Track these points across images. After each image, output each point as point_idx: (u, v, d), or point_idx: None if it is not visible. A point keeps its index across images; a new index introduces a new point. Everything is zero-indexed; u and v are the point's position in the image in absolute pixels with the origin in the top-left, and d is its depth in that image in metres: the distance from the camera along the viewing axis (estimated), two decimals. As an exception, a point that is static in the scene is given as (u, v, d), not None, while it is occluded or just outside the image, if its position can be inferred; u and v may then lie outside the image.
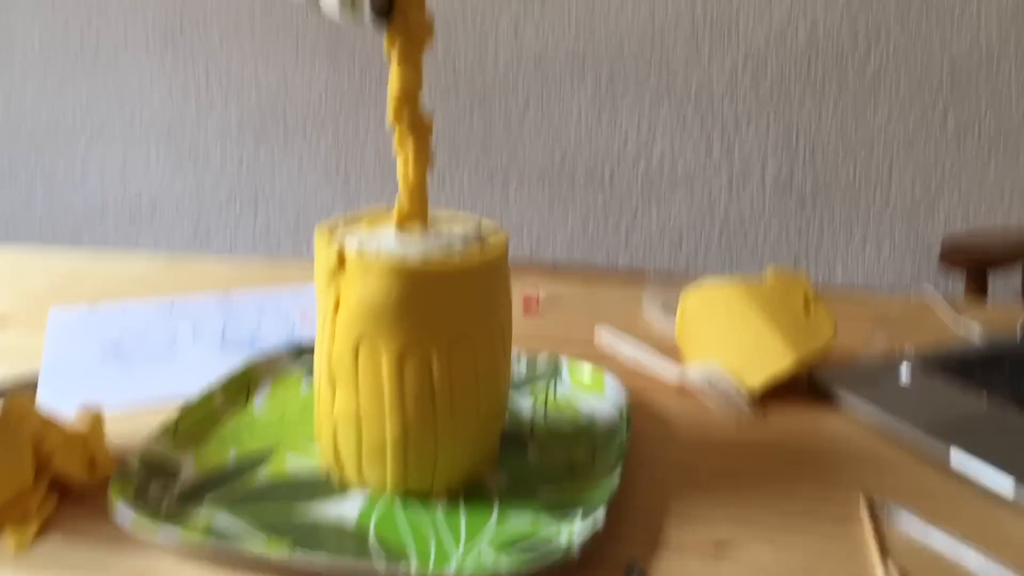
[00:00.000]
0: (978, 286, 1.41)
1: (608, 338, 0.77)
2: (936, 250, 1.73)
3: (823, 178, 1.76)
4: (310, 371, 0.68)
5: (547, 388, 0.68)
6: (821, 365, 0.70)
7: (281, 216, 1.95)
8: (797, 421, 0.65)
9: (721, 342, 0.70)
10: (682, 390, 0.69)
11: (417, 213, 0.53)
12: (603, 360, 0.74)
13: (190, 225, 1.98)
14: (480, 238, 0.53)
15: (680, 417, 0.65)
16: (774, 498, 0.54)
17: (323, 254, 0.51)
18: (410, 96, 0.51)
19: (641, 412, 0.65)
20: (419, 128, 0.52)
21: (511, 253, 1.89)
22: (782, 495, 0.54)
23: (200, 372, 0.70)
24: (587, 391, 0.67)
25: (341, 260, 0.50)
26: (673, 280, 0.93)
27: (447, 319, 0.50)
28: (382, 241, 0.51)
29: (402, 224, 0.53)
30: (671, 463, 0.58)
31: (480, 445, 0.54)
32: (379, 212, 0.56)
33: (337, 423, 0.52)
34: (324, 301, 0.51)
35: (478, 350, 0.52)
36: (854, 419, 0.64)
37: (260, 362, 0.68)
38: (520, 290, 0.88)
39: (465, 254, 0.50)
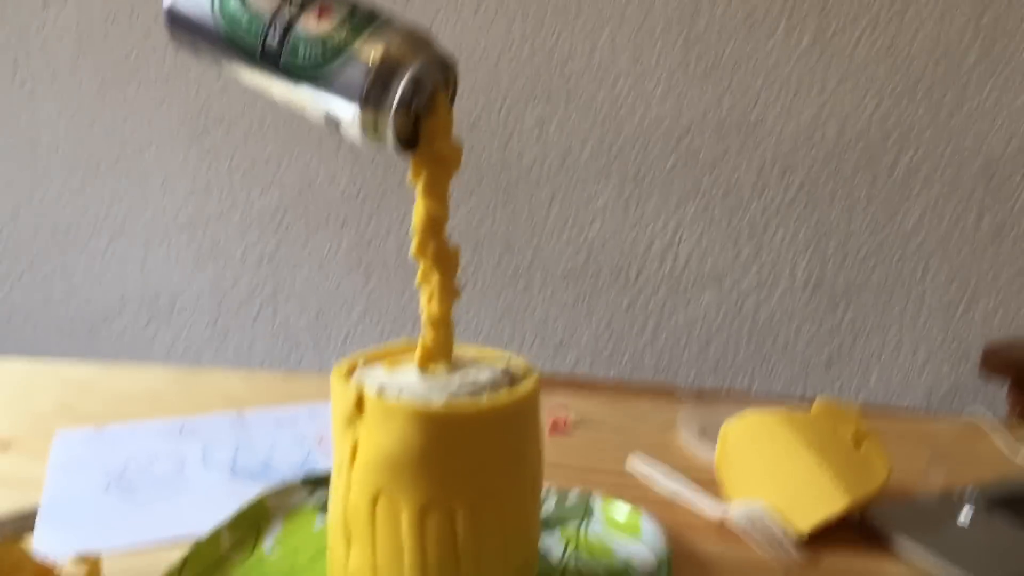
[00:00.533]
0: (1022, 395, 1.36)
1: (642, 468, 0.73)
2: (974, 354, 1.67)
3: (855, 279, 1.72)
4: (324, 507, 0.64)
5: (579, 529, 0.63)
6: (874, 504, 0.65)
7: (301, 313, 1.92)
8: (850, 566, 0.60)
9: (766, 478, 0.65)
10: (723, 529, 0.64)
11: (441, 351, 0.49)
12: (637, 492, 0.70)
13: (208, 322, 1.95)
14: (510, 378, 0.49)
15: (722, 560, 0.60)
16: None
17: (340, 398, 0.47)
18: (435, 228, 0.48)
19: (679, 553, 0.61)
20: (445, 262, 0.48)
21: (537, 359, 1.85)
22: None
23: (208, 505, 0.65)
24: (622, 532, 0.62)
25: (359, 404, 0.46)
26: (707, 398, 0.88)
27: (474, 469, 0.46)
28: (403, 382, 0.47)
29: (425, 363, 0.49)
30: (716, 620, 0.53)
31: (508, 604, 0.49)
32: (399, 348, 0.52)
33: (351, 582, 0.48)
34: (340, 448, 0.47)
35: (507, 503, 0.47)
36: (912, 565, 0.59)
37: (271, 496, 0.64)
38: (547, 410, 0.84)
39: (494, 397, 0.47)
